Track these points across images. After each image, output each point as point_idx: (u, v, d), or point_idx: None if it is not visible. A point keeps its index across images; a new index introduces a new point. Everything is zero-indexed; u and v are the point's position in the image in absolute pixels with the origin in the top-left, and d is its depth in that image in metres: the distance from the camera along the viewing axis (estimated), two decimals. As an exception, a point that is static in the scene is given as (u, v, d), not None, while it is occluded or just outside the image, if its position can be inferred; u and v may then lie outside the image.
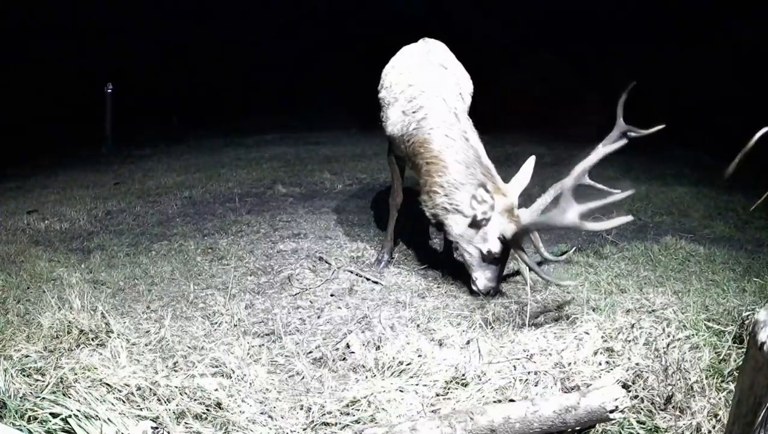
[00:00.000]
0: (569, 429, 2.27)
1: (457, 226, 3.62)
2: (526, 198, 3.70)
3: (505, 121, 9.61)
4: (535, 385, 2.56)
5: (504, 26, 12.86)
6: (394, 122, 3.95)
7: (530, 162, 3.73)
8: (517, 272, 4.02)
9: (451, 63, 4.17)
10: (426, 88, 3.84)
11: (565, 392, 2.49)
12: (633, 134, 3.29)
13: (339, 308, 3.58)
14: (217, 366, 2.78)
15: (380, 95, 4.21)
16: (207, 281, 4.00)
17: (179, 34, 13.75)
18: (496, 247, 3.52)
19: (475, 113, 4.08)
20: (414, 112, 3.82)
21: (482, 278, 3.62)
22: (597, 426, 2.29)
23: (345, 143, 10.51)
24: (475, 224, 3.53)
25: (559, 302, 3.48)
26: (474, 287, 3.66)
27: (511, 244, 3.50)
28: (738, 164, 1.81)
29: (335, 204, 6.10)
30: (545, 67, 11.95)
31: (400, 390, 2.57)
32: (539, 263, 3.79)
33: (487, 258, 3.57)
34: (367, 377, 2.74)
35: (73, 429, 2.20)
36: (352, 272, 4.11)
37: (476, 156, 3.63)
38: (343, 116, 12.70)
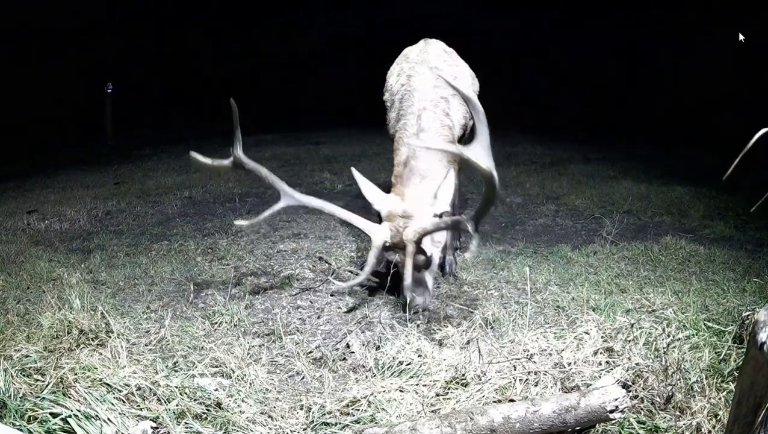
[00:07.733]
0: (569, 429, 2.27)
1: None
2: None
3: (506, 121, 9.62)
4: (535, 385, 2.56)
5: (505, 26, 12.87)
6: (393, 125, 3.99)
7: (450, 175, 3.49)
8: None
9: (448, 63, 4.14)
10: (412, 90, 3.85)
11: (565, 392, 2.49)
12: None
13: (339, 308, 3.58)
14: (217, 366, 2.78)
15: (384, 98, 4.23)
16: (207, 281, 4.00)
17: (179, 34, 13.75)
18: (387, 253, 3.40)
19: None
20: (401, 114, 3.87)
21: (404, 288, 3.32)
22: (597, 426, 2.29)
23: (345, 143, 10.50)
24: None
25: (559, 302, 3.48)
26: None
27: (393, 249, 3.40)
28: (736, 166, 1.81)
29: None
30: (545, 67, 11.95)
31: (400, 390, 2.57)
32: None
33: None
34: (367, 377, 2.74)
35: (73, 429, 2.20)
36: (352, 272, 4.11)
37: (406, 160, 3.60)
38: (344, 115, 12.70)
